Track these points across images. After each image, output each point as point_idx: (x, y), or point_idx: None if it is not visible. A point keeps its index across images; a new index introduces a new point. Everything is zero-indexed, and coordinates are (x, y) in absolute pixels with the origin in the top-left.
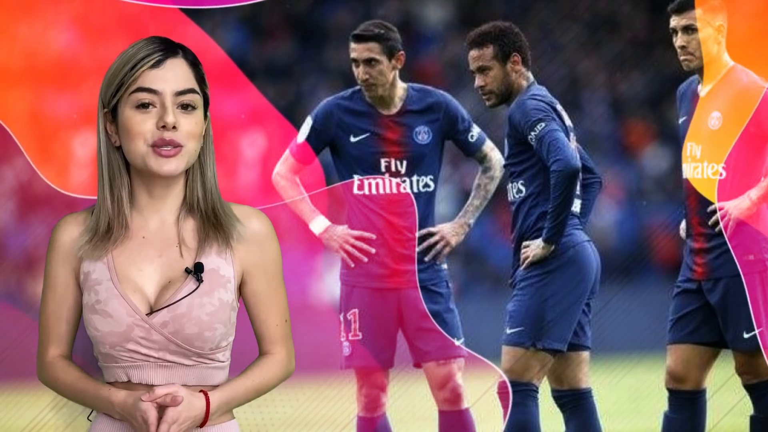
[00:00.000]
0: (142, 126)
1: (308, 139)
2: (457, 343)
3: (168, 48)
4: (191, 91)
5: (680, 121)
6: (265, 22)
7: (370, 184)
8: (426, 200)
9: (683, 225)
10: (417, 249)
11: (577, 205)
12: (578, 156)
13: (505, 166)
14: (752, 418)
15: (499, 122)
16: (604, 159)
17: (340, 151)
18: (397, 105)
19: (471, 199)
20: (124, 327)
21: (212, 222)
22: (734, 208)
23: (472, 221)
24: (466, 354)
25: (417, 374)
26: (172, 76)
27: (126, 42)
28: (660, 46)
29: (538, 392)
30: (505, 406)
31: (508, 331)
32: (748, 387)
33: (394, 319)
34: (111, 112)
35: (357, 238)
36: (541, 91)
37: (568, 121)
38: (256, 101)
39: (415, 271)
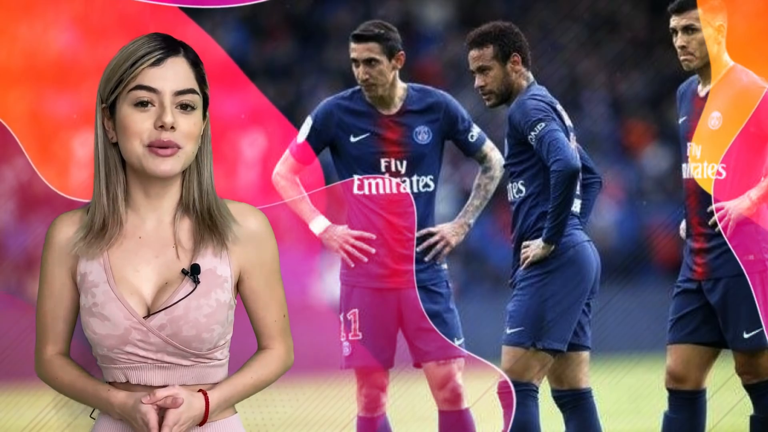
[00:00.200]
0: (139, 125)
1: (308, 139)
2: (457, 343)
3: (169, 46)
4: (191, 91)
5: (680, 121)
6: (265, 22)
7: (370, 184)
8: (426, 200)
9: (683, 225)
10: (417, 249)
11: (577, 205)
12: (578, 156)
13: (505, 166)
14: (752, 418)
15: (499, 122)
16: (604, 159)
17: (340, 151)
18: (397, 105)
19: (471, 199)
20: (121, 330)
21: (207, 223)
22: (734, 208)
23: (472, 221)
24: (466, 355)
25: (417, 374)
26: (172, 75)
27: (126, 42)
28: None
29: (538, 392)
30: (505, 406)
31: (508, 331)
32: (748, 387)
33: (394, 319)
34: (109, 108)
35: (357, 238)
36: (541, 91)
37: (568, 121)
38: (257, 101)
39: (414, 271)
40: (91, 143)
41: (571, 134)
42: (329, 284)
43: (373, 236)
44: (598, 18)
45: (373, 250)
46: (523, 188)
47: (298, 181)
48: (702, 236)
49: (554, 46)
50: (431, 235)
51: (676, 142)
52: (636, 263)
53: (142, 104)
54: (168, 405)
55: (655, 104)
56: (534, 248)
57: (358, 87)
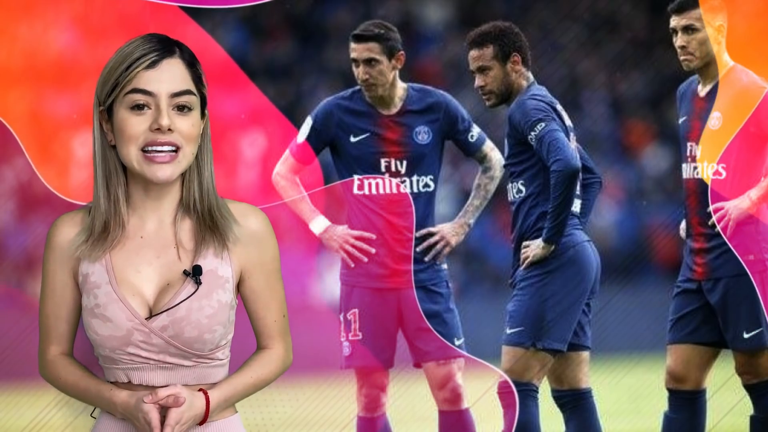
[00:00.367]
0: (135, 128)
1: (308, 139)
2: (457, 343)
3: (165, 48)
4: (187, 92)
5: (680, 121)
6: (265, 22)
7: (369, 184)
8: (426, 200)
9: (683, 225)
10: (417, 249)
11: (577, 205)
12: (578, 156)
13: (505, 166)
14: (752, 418)
15: (499, 122)
16: (604, 159)
17: (340, 151)
18: (397, 105)
19: (471, 199)
20: (123, 331)
21: (208, 224)
22: (734, 208)
23: (472, 221)
24: (465, 356)
25: (417, 374)
26: (167, 78)
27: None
28: (660, 46)
29: (538, 392)
30: (505, 406)
31: (508, 331)
32: (748, 387)
33: (394, 319)
34: (107, 110)
35: (357, 238)
36: (541, 91)
37: (568, 121)
38: (257, 101)
39: (414, 271)
40: (91, 143)
41: (571, 134)
42: (329, 284)
43: (373, 236)
44: (598, 18)
45: (373, 250)
46: (523, 188)
47: (298, 181)
48: (702, 236)
49: (554, 46)
50: (431, 235)
51: (676, 142)
52: (636, 263)
53: (138, 107)
54: (170, 404)
55: (655, 104)
56: (534, 248)
57: (358, 87)
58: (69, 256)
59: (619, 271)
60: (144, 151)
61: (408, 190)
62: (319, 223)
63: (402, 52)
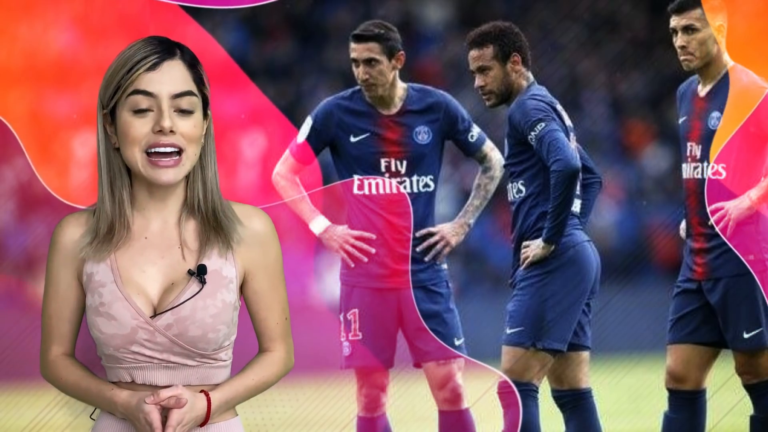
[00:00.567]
0: (138, 131)
1: (308, 139)
2: (457, 343)
3: (165, 49)
4: (188, 93)
5: (680, 121)
6: (265, 22)
7: (369, 184)
8: (426, 200)
9: (683, 225)
10: (417, 249)
11: (577, 205)
12: (578, 156)
13: (505, 166)
14: (752, 418)
15: (499, 122)
16: (604, 159)
17: (340, 151)
18: (397, 105)
19: (471, 199)
20: (128, 329)
21: (213, 224)
22: (734, 208)
23: (472, 221)
24: (466, 355)
25: (417, 374)
26: (168, 79)
27: (126, 42)
28: (660, 46)
29: (538, 392)
30: (505, 406)
31: (508, 331)
32: (748, 387)
33: (394, 319)
34: (110, 113)
35: (357, 238)
36: (541, 91)
37: (568, 121)
38: (257, 101)
39: (414, 271)
40: (91, 143)
41: (571, 134)
42: (329, 284)
43: (373, 236)
44: (598, 18)
45: (373, 250)
46: (523, 188)
47: (298, 181)
48: (702, 236)
49: (554, 46)
50: (431, 235)
51: (676, 142)
52: (636, 263)
53: (140, 111)
54: (172, 405)
55: (655, 104)
56: (534, 248)
57: (358, 87)
58: (73, 257)
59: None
60: (147, 153)
61: (408, 190)
62: (319, 223)
63: (402, 52)
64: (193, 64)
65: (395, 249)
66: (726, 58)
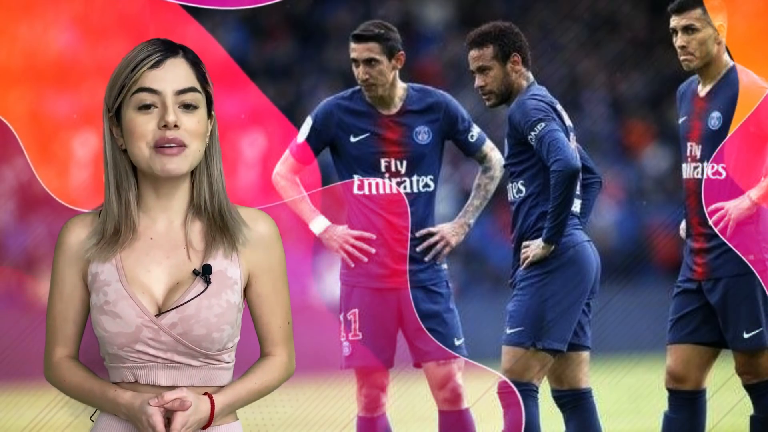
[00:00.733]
0: (144, 127)
1: (308, 139)
2: (457, 343)
3: (168, 48)
4: (192, 89)
5: (680, 121)
6: (265, 22)
7: (369, 185)
8: (426, 200)
9: (683, 225)
10: (417, 249)
11: (577, 205)
12: (578, 156)
13: (505, 166)
14: (752, 418)
15: (499, 122)
16: (604, 159)
17: (340, 151)
18: (397, 105)
19: (471, 199)
20: (132, 328)
21: (219, 224)
22: (734, 208)
23: (472, 221)
24: (466, 355)
25: (417, 374)
26: (172, 76)
27: (126, 42)
28: (660, 46)
29: (538, 392)
30: (505, 406)
31: (508, 331)
32: (748, 387)
33: (394, 319)
34: (115, 115)
35: (357, 238)
36: (541, 91)
37: (568, 121)
38: (257, 100)
39: (414, 271)
40: (91, 143)
41: (571, 134)
42: (329, 284)
43: (373, 236)
44: (598, 18)
45: (373, 250)
46: (523, 188)
47: (298, 181)
48: (702, 236)
49: (554, 46)
50: (431, 235)
51: (676, 142)
52: (636, 263)
53: (145, 107)
54: (176, 407)
55: (655, 104)
56: (534, 248)
57: (358, 87)
58: (79, 258)
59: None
60: (153, 148)
61: (408, 190)
62: (319, 223)
63: (402, 52)
64: (196, 62)
65: (395, 249)
66: (726, 58)
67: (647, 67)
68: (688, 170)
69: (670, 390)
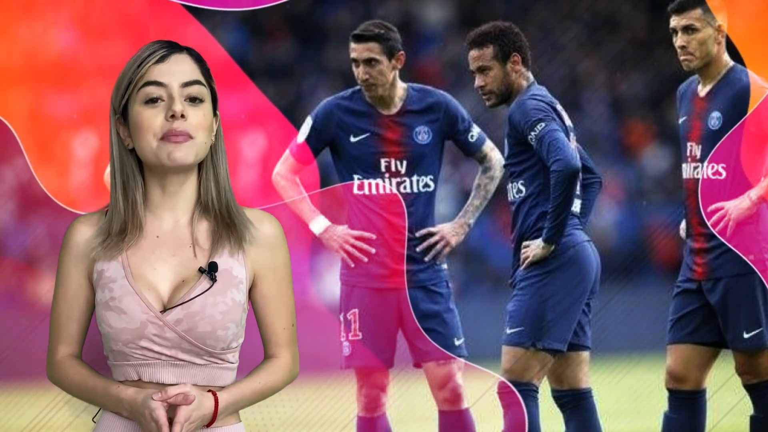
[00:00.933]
0: (151, 120)
1: (308, 139)
2: (457, 343)
3: (172, 45)
4: (197, 82)
5: (680, 121)
6: (265, 22)
7: (369, 185)
8: (426, 200)
9: (683, 225)
10: (417, 249)
11: (577, 205)
12: (578, 156)
13: (505, 166)
14: (752, 418)
15: (499, 122)
16: (604, 159)
17: (340, 151)
18: (397, 105)
19: (471, 199)
20: (138, 324)
21: (226, 222)
22: (734, 208)
23: (472, 221)
24: (466, 355)
25: (417, 374)
26: (177, 69)
27: (126, 42)
28: (660, 46)
29: (538, 392)
30: (505, 406)
31: (508, 331)
32: (748, 387)
33: (394, 319)
34: (122, 114)
35: (357, 238)
36: (541, 91)
37: (568, 121)
38: (257, 101)
39: (414, 271)
40: (91, 143)
41: (571, 134)
42: (329, 284)
43: (373, 236)
44: (598, 18)
45: (373, 250)
46: (523, 188)
47: (298, 181)
48: (702, 236)
49: (554, 46)
50: (431, 235)
51: (676, 142)
52: (636, 263)
53: (152, 101)
54: (180, 402)
55: (655, 104)
56: (534, 248)
57: (358, 87)
58: (84, 256)
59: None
60: (160, 139)
61: (408, 190)
62: (319, 223)
63: (402, 52)
64: (199, 59)
65: (395, 249)
66: (726, 58)
67: (647, 67)
68: (688, 170)
69: (670, 390)
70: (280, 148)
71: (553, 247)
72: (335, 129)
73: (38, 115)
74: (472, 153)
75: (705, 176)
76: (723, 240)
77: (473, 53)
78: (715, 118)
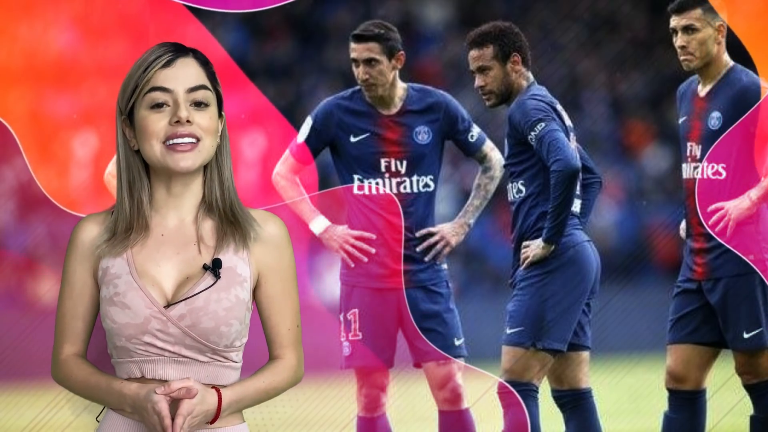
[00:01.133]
0: (156, 124)
1: (308, 139)
2: (457, 343)
3: (179, 49)
4: (203, 87)
5: (680, 121)
6: (265, 22)
7: (370, 185)
8: (426, 200)
9: (683, 225)
10: (417, 249)
11: (577, 205)
12: (578, 156)
13: (505, 166)
14: (752, 418)
15: (499, 122)
16: (604, 159)
17: (340, 151)
18: (397, 105)
19: (471, 199)
20: (141, 319)
21: (230, 220)
22: (734, 208)
23: (472, 221)
24: (466, 355)
25: (417, 374)
26: (183, 74)
27: (126, 42)
28: (660, 46)
29: (538, 392)
30: (505, 406)
31: (508, 331)
32: (748, 387)
33: (394, 319)
34: (128, 116)
35: (357, 238)
36: (541, 91)
37: (568, 121)
38: (257, 101)
39: (414, 271)
40: (91, 143)
41: (571, 134)
42: (329, 284)
43: (373, 236)
44: (598, 18)
45: (373, 250)
46: (523, 188)
47: (298, 181)
48: (702, 236)
49: (554, 46)
50: (431, 235)
51: (676, 142)
52: (636, 263)
53: (158, 106)
54: (182, 395)
55: (655, 104)
56: (534, 248)
57: (358, 87)
58: (90, 254)
59: (619, 271)
60: (166, 144)
61: (408, 190)
62: (319, 223)
63: (402, 52)
64: (205, 62)
65: (395, 249)
66: (726, 58)
67: (647, 67)
68: (688, 170)
69: (670, 390)
70: (280, 148)
71: (553, 247)
72: (335, 129)
73: (38, 115)
74: (472, 153)
75: (705, 176)
76: (721, 241)
77: (473, 53)
78: (715, 118)
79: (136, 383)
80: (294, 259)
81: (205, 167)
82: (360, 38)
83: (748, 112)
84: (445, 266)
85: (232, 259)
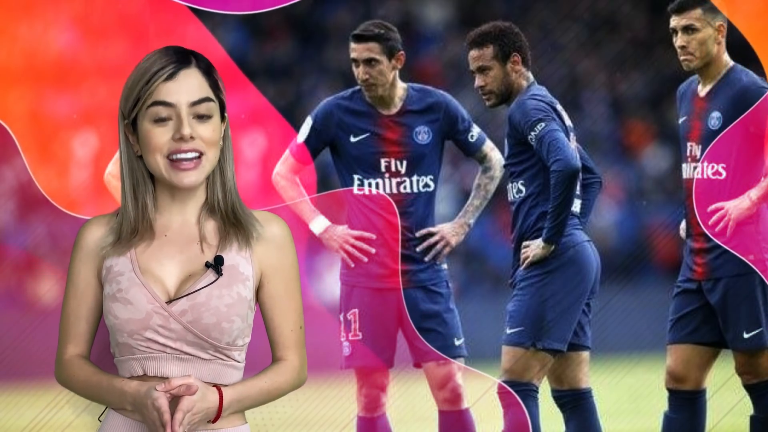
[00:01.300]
0: (159, 139)
1: (308, 139)
2: (457, 343)
3: (181, 59)
4: (206, 99)
5: (680, 121)
6: (265, 22)
7: (370, 189)
8: (426, 200)
9: (683, 225)
10: (417, 249)
11: (577, 205)
12: (578, 156)
13: (505, 166)
14: (752, 418)
15: (499, 122)
16: (604, 159)
17: (340, 151)
18: (397, 105)
19: (471, 199)
20: (143, 314)
21: (232, 221)
22: (734, 208)
23: (472, 221)
24: (466, 355)
25: (417, 374)
26: (186, 88)
27: (126, 42)
28: (660, 46)
29: (538, 392)
30: (505, 406)
31: (508, 331)
32: (748, 387)
33: (394, 319)
34: (131, 123)
35: (357, 238)
36: (541, 91)
37: (568, 121)
38: (256, 101)
39: (414, 271)
40: (91, 143)
41: (571, 134)
42: (329, 284)
43: (373, 236)
44: (598, 18)
45: (373, 250)
46: (523, 188)
47: (298, 181)
48: (702, 236)
49: (554, 46)
50: (431, 235)
51: (676, 142)
52: (636, 263)
53: (160, 120)
54: (182, 392)
55: (655, 104)
56: (534, 248)
57: (358, 87)
58: (95, 255)
59: (619, 271)
60: (170, 159)
61: (408, 190)
62: (319, 223)
63: (402, 52)
64: (208, 71)
65: (395, 249)
66: (726, 58)
67: (647, 67)
68: (688, 170)
69: (670, 390)
70: (279, 148)
71: (553, 247)
72: (335, 129)
73: (38, 115)
74: (472, 153)
75: (704, 176)
76: (719, 243)
77: (473, 53)
78: (715, 118)
79: (137, 381)
80: (297, 261)
81: None
82: (360, 38)
83: (747, 111)
84: (445, 266)
85: (234, 257)
